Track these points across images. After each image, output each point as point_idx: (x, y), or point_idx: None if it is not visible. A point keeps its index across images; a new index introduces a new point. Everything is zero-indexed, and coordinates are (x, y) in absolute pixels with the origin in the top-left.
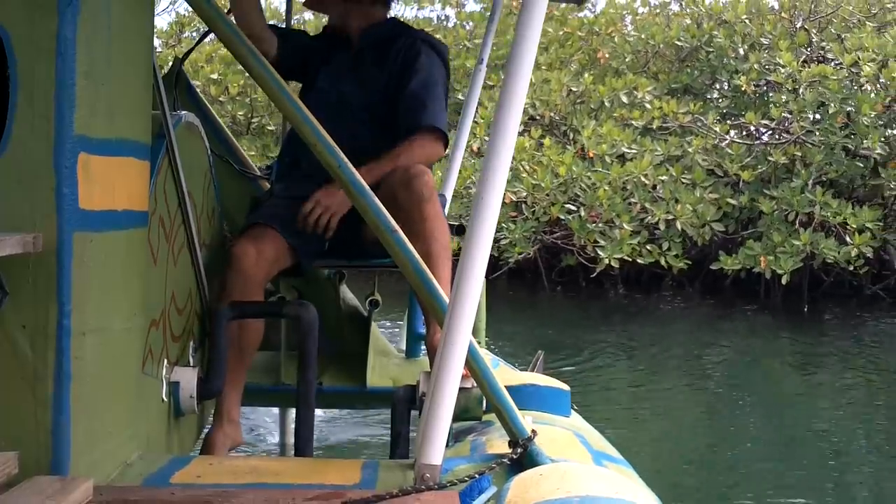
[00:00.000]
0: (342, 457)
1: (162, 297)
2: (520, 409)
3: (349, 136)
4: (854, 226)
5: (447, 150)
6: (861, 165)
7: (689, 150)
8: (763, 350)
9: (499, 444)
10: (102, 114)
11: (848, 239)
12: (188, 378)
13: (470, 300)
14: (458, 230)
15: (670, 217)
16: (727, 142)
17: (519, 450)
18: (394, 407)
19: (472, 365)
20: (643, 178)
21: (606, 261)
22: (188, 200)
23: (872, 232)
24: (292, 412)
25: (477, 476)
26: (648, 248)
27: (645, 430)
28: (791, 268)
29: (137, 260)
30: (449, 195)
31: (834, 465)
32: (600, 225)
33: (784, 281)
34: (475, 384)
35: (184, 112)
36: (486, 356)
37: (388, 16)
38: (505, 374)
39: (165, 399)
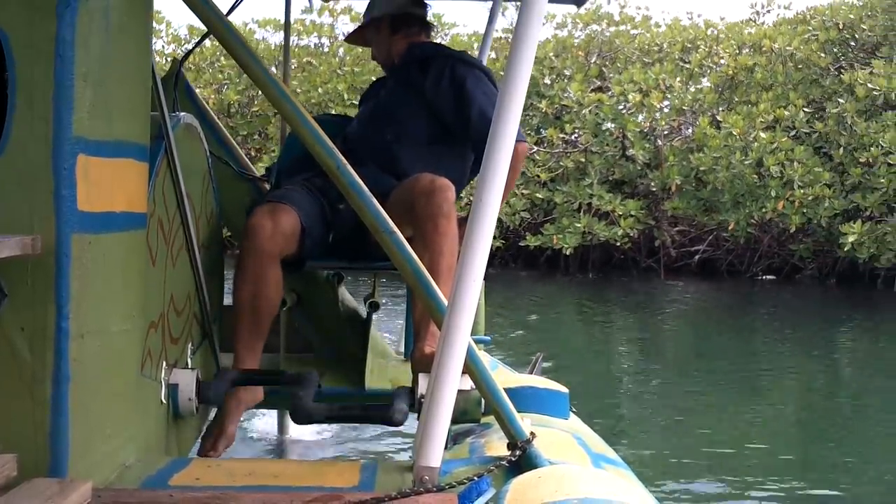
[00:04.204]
0: (340, 458)
1: (161, 298)
2: (518, 412)
3: (377, 139)
4: (620, 212)
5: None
6: (639, 168)
7: None
8: (556, 305)
9: (497, 446)
10: (101, 115)
11: (621, 223)
12: (187, 380)
13: (469, 302)
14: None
15: None
16: (535, 150)
17: (517, 452)
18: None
19: (471, 367)
20: None
21: None
22: (187, 202)
23: (637, 217)
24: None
25: (476, 478)
26: None
27: None
28: (573, 244)
29: (136, 262)
30: None
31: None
32: None
33: (568, 253)
34: (474, 386)
35: (182, 113)
36: (485, 358)
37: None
38: (503, 376)
39: (164, 401)
